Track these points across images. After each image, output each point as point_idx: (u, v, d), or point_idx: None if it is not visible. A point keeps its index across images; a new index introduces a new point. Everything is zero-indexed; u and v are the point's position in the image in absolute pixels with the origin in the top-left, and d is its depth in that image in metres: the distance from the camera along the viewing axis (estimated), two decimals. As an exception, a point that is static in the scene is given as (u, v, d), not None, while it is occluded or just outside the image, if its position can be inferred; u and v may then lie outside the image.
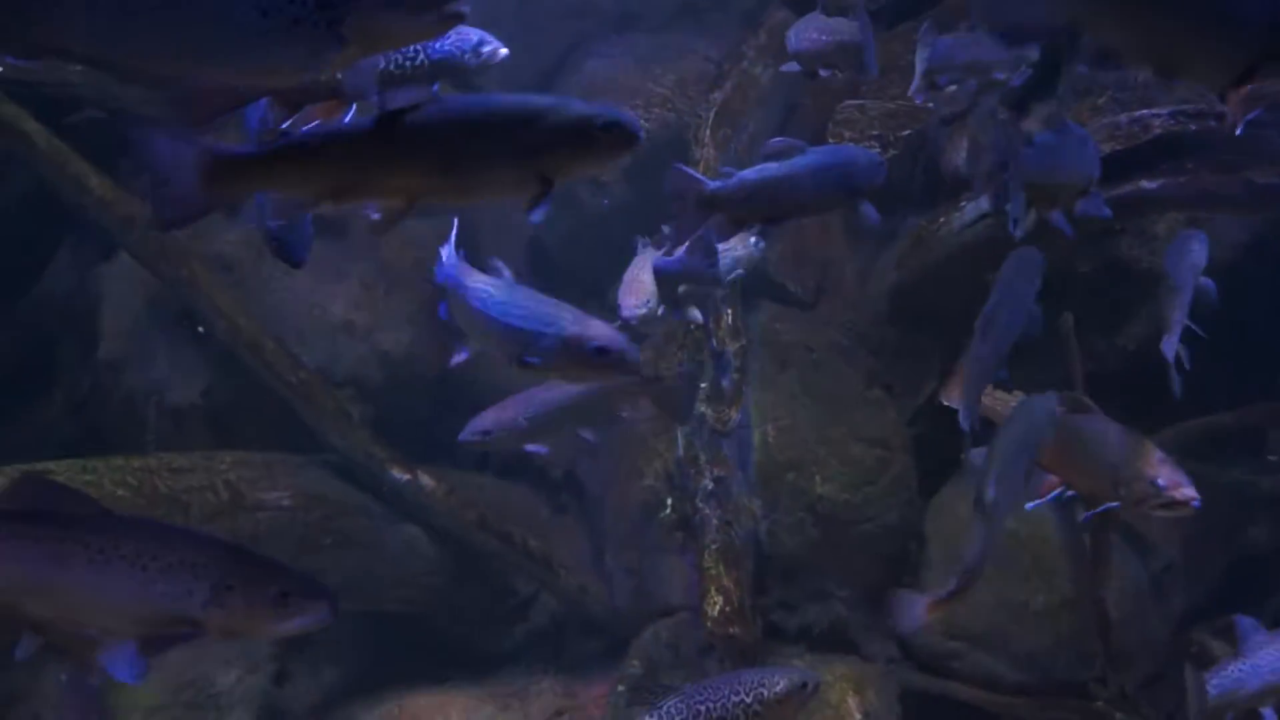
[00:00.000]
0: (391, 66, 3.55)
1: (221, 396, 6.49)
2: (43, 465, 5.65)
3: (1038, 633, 5.83)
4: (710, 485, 5.85)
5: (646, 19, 7.49)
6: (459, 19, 2.76)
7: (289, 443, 6.28)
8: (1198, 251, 5.02)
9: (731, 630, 5.68)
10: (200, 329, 6.42)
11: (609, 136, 2.99)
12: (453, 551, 6.33)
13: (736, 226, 3.97)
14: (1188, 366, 5.07)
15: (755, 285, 6.29)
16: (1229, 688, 4.79)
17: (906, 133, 6.04)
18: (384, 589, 6.19)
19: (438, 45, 3.61)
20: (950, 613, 5.90)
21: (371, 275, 6.65)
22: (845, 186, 3.97)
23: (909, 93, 4.78)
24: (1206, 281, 4.98)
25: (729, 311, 5.97)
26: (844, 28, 5.04)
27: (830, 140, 6.02)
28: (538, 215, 3.10)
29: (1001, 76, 4.71)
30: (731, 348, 5.95)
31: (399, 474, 6.19)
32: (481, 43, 3.69)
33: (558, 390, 5.15)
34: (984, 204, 5.67)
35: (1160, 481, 4.54)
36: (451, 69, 3.66)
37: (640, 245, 5.39)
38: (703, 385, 5.91)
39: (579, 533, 6.57)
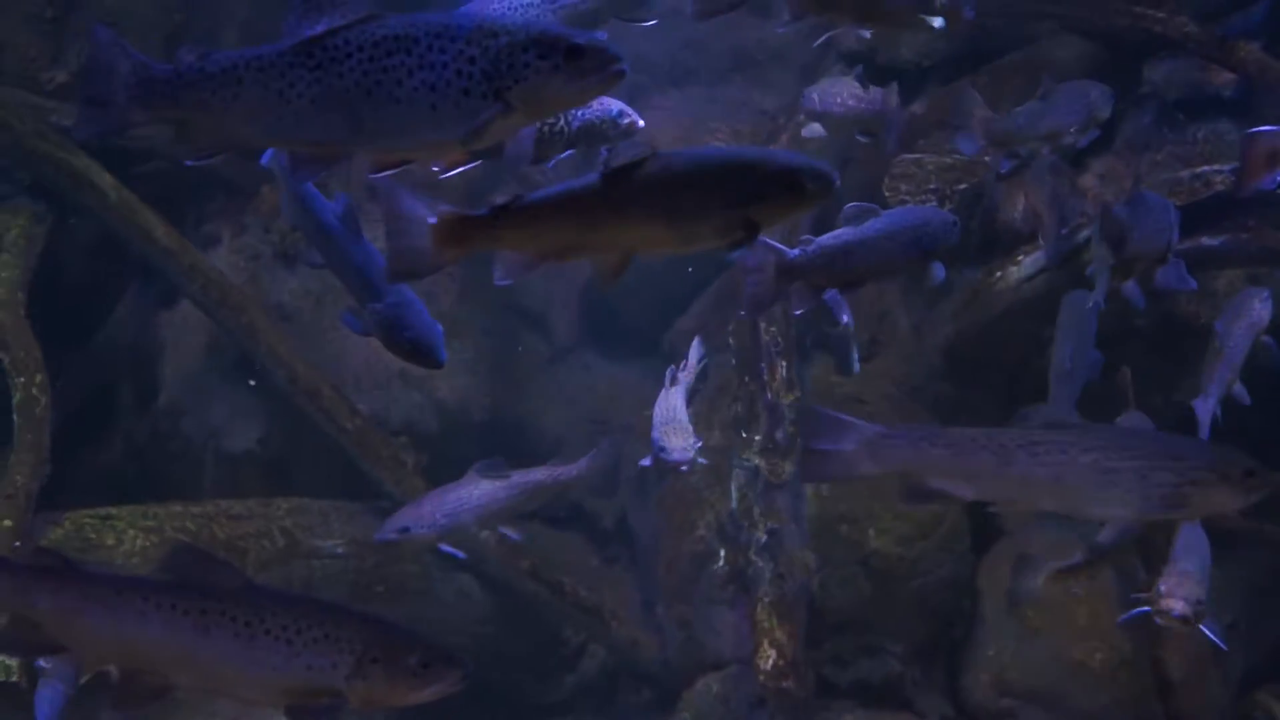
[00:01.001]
0: (537, 134, 3.71)
1: (278, 443, 6.50)
2: (104, 510, 5.66)
3: (1095, 692, 5.67)
4: (764, 538, 5.76)
5: (702, 73, 7.47)
6: (620, 78, 2.84)
7: (344, 490, 6.25)
8: (1259, 310, 4.92)
9: (784, 684, 5.57)
10: (252, 381, 6.46)
11: (814, 186, 3.05)
12: (504, 601, 6.26)
13: (816, 294, 3.94)
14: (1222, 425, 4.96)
15: (810, 338, 6.23)
16: None
17: (962, 186, 5.97)
18: (435, 637, 6.11)
19: (581, 113, 3.75)
20: (1005, 670, 5.81)
21: (428, 324, 6.63)
22: (920, 248, 3.95)
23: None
24: (1268, 340, 4.88)
25: (783, 364, 5.90)
26: (873, 96, 5.01)
27: (886, 194, 5.96)
28: (738, 255, 3.41)
29: (1071, 140, 4.66)
30: (786, 400, 5.87)
31: (452, 523, 6.14)
32: (621, 113, 3.81)
33: (475, 488, 5.21)
34: (1041, 258, 5.62)
35: (1161, 588, 4.48)
36: (593, 136, 3.77)
37: (669, 375, 5.43)
38: (757, 438, 5.83)
39: (630, 583, 6.50)
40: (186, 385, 6.71)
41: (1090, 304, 4.47)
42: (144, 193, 6.44)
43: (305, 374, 6.29)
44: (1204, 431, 4.85)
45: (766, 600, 5.70)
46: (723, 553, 5.95)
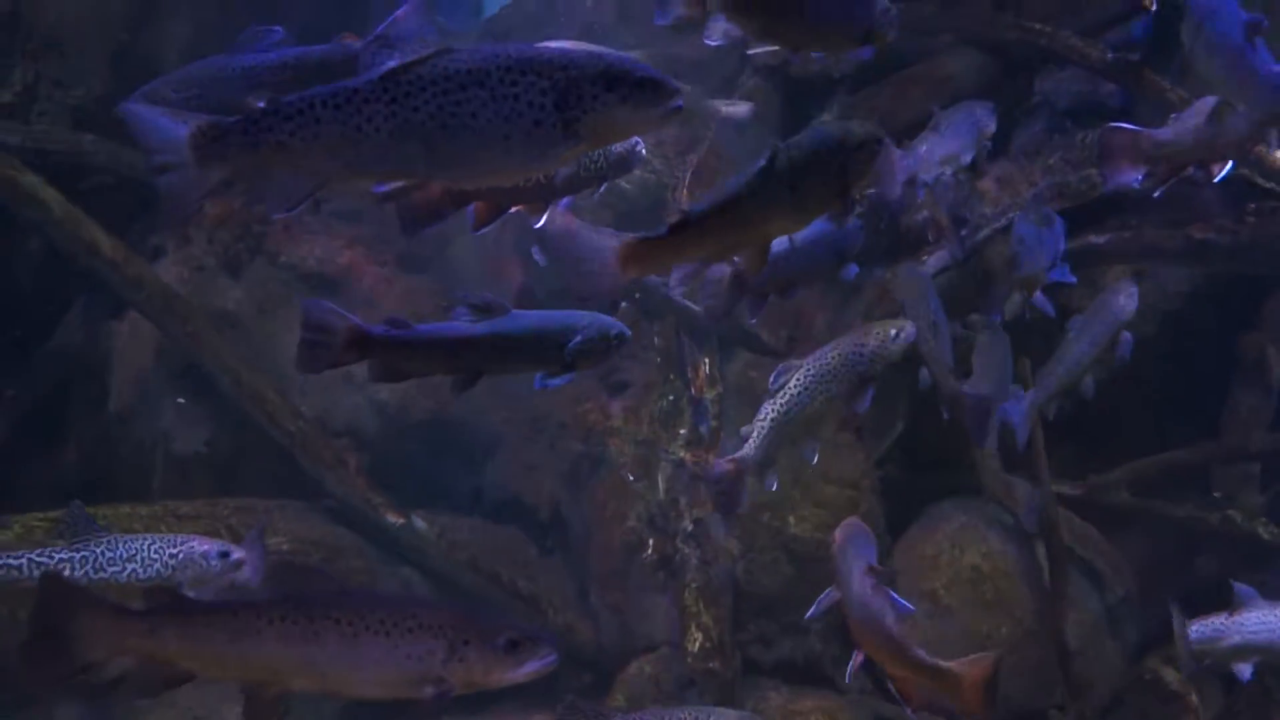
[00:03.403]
0: (579, 167, 3.81)
1: (225, 446, 6.50)
2: (53, 514, 5.63)
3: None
4: (690, 526, 5.87)
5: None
6: (680, 112, 2.91)
7: (289, 490, 6.28)
8: (1123, 304, 4.97)
9: (711, 665, 5.68)
10: (180, 399, 6.48)
11: (881, 147, 3.40)
12: (446, 592, 6.31)
13: (763, 301, 4.13)
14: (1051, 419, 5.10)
15: (730, 335, 6.34)
16: (1209, 636, 4.79)
17: (870, 191, 6.12)
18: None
19: (614, 146, 3.86)
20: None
21: (368, 329, 6.67)
22: (839, 253, 4.20)
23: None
24: (1126, 336, 4.97)
25: (706, 361, 6.02)
26: None
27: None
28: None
29: (969, 159, 4.83)
30: (709, 395, 5.99)
31: (394, 518, 6.20)
32: (638, 144, 3.95)
33: None
34: (944, 258, 5.77)
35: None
36: (621, 167, 3.92)
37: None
38: (682, 431, 5.94)
39: (566, 572, 6.56)
40: (136, 391, 6.70)
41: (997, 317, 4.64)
42: (90, 206, 6.43)
43: (249, 379, 6.31)
44: (1021, 428, 4.96)
45: (694, 586, 5.81)
46: (651, 541, 6.05)
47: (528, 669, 3.25)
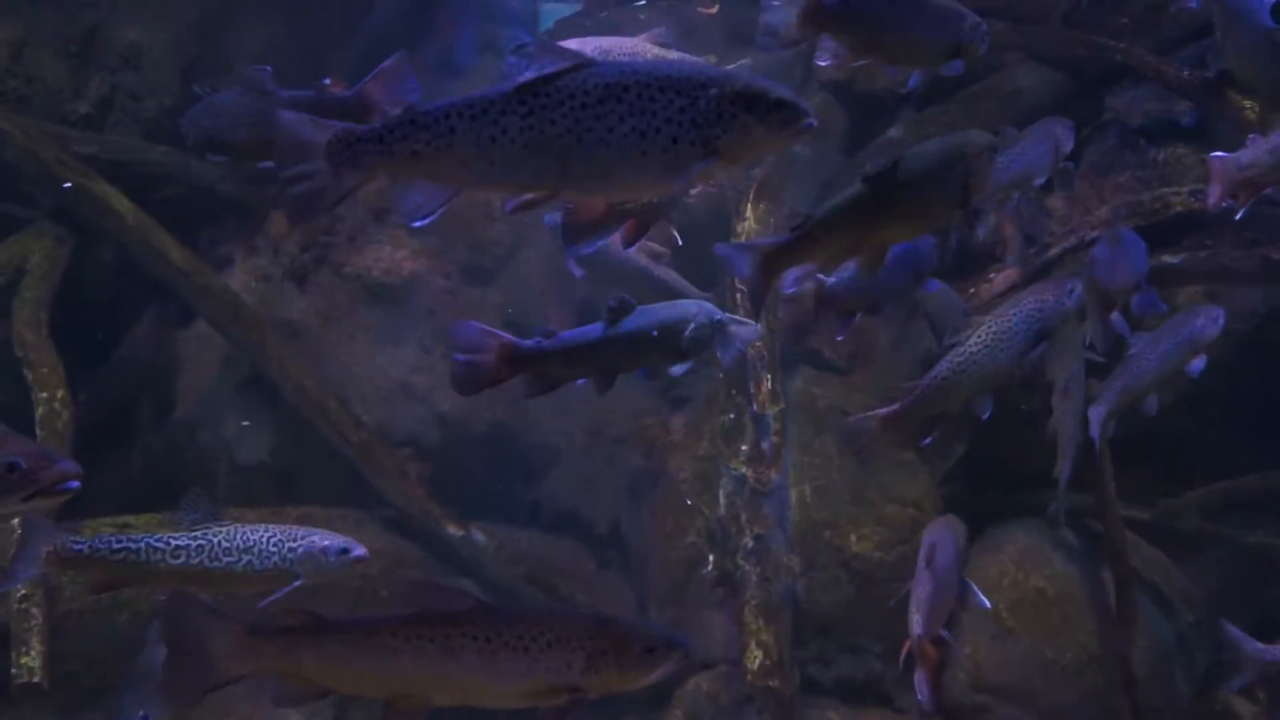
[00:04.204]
0: None
1: (288, 455, 6.53)
2: (122, 519, 5.69)
3: (1065, 688, 5.70)
4: (750, 543, 5.80)
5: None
6: (811, 131, 2.93)
7: (351, 499, 6.29)
8: (1201, 327, 4.88)
9: (770, 683, 5.60)
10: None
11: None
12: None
13: (849, 320, 4.18)
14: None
15: (793, 351, 6.28)
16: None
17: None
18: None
19: None
20: (980, 668, 5.84)
21: (429, 340, 6.69)
22: (917, 270, 4.23)
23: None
24: (1198, 363, 4.86)
25: (768, 376, 5.95)
26: None
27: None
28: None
29: (1042, 180, 4.75)
30: (771, 411, 5.92)
31: (453, 530, 6.19)
32: None
33: None
34: (1014, 276, 5.68)
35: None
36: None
37: None
38: (743, 448, 5.87)
39: (624, 587, 6.52)
40: (201, 400, 6.76)
41: (1086, 343, 4.59)
42: (161, 216, 6.51)
43: (313, 389, 6.34)
44: (1094, 431, 4.89)
45: (753, 603, 5.74)
46: (711, 558, 5.99)
47: (660, 672, 3.25)
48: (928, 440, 4.58)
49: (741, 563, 5.79)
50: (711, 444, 6.18)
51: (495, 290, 6.83)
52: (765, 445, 5.88)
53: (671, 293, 5.62)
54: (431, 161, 2.82)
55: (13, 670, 4.94)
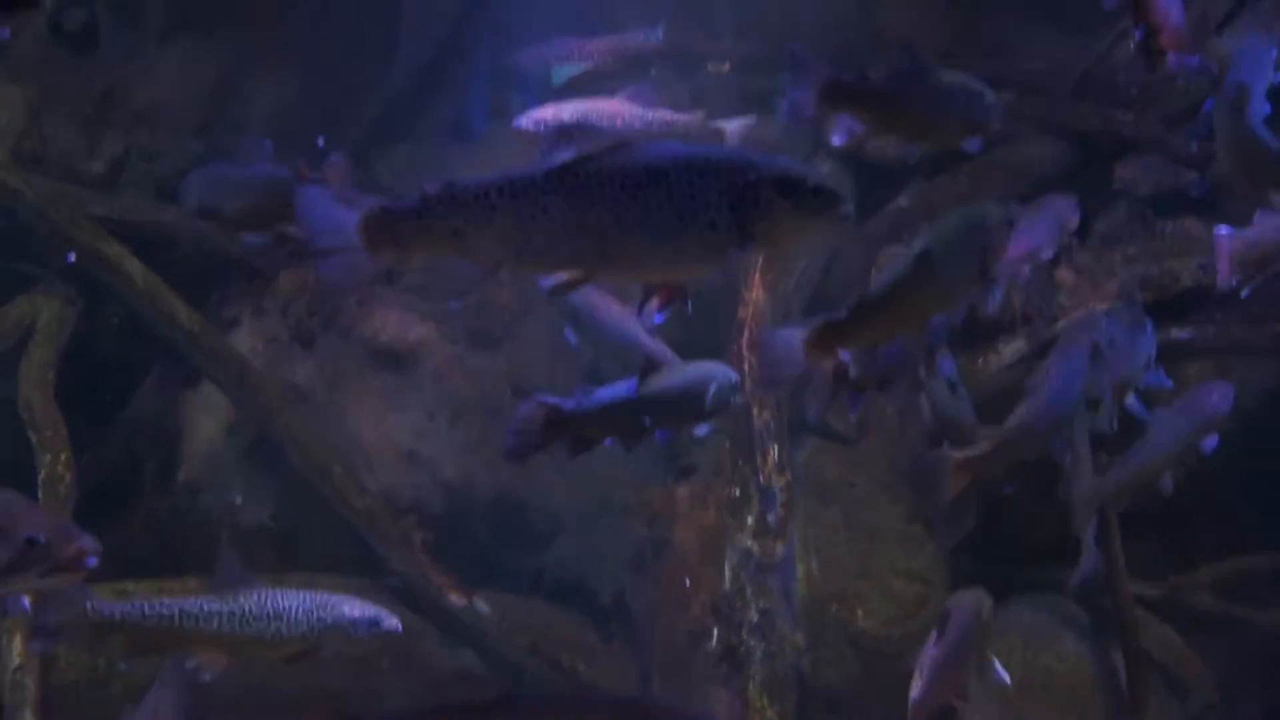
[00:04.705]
0: None
1: (291, 519, 6.48)
2: (120, 584, 5.64)
3: (1076, 770, 5.59)
4: (756, 618, 5.72)
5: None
6: (848, 218, 2.93)
7: (354, 566, 6.23)
8: (1215, 403, 4.84)
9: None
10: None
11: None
12: (505, 676, 6.20)
13: (860, 396, 4.13)
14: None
15: (799, 421, 6.23)
16: None
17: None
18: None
19: None
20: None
21: (435, 406, 6.66)
22: (928, 348, 4.28)
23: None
24: (1211, 441, 4.81)
25: (775, 447, 5.90)
26: None
27: (872, 285, 5.99)
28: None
29: (1049, 255, 4.74)
30: (778, 483, 5.86)
31: (456, 599, 6.12)
32: None
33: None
34: (1021, 348, 5.64)
35: None
36: None
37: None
38: (749, 520, 5.81)
39: (627, 659, 6.43)
40: (205, 462, 6.72)
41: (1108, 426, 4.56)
42: (169, 277, 6.52)
43: (317, 453, 6.30)
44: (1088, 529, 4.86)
45: (758, 679, 5.64)
46: (716, 631, 5.90)
47: None
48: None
49: (746, 637, 5.71)
50: (717, 515, 6.11)
51: (502, 356, 6.80)
52: (771, 518, 5.82)
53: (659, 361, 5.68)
54: (470, 240, 2.79)
55: (5, 743, 4.89)
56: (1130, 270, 5.77)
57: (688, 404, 3.83)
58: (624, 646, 6.46)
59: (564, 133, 2.81)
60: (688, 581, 6.13)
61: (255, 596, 3.98)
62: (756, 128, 5.55)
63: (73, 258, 6.41)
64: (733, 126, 5.56)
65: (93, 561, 3.04)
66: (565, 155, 2.78)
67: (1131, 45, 3.92)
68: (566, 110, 5.43)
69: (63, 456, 5.89)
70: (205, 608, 3.95)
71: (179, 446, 6.79)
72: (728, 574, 5.87)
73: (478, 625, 6.11)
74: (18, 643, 5.01)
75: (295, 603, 4.00)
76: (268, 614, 3.96)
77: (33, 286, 6.57)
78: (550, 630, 6.31)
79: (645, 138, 5.42)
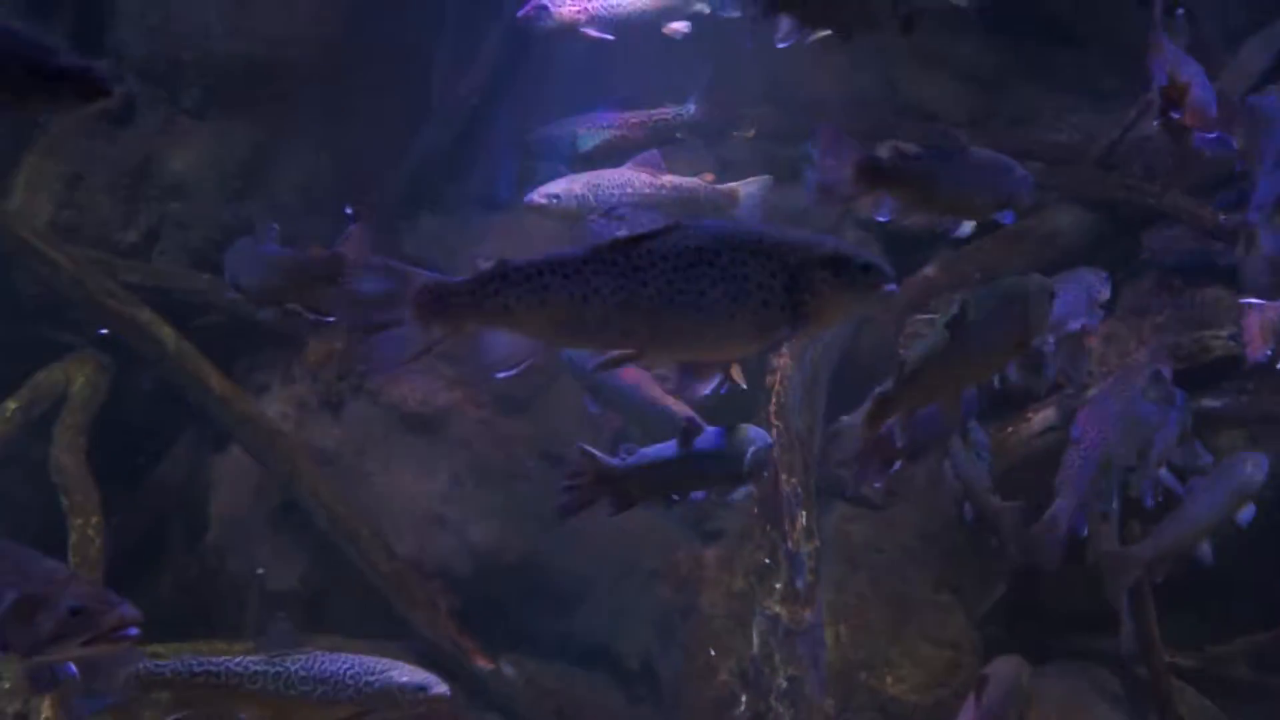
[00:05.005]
0: None
1: (318, 583, 6.48)
2: (151, 648, 5.61)
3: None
4: (784, 684, 5.64)
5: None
6: (893, 295, 2.98)
7: (382, 629, 6.21)
8: (1250, 473, 4.82)
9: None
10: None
11: None
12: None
13: (887, 467, 4.30)
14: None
15: (828, 487, 6.21)
16: None
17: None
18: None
19: None
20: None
21: (462, 470, 6.67)
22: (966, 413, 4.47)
23: None
24: (1249, 508, 4.78)
25: (803, 513, 5.87)
26: None
27: (900, 352, 6.00)
28: None
29: (1078, 327, 4.76)
30: (806, 549, 5.83)
31: (482, 664, 6.08)
32: None
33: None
34: (1051, 416, 5.63)
35: None
36: None
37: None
38: (777, 586, 5.77)
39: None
40: (233, 525, 6.74)
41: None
42: (201, 344, 6.59)
43: (345, 517, 6.32)
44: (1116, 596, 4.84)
45: (787, 746, 5.57)
46: (744, 698, 5.83)
47: None
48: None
49: (775, 704, 5.63)
50: (745, 580, 6.07)
51: (528, 421, 6.82)
52: (800, 583, 5.77)
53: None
54: (521, 317, 2.80)
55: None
56: (1160, 339, 5.77)
57: (726, 466, 3.86)
58: (651, 711, 6.40)
59: (615, 213, 2.86)
60: (714, 648, 6.08)
61: (303, 659, 3.98)
62: (767, 187, 5.60)
63: (105, 331, 6.49)
64: (745, 189, 5.61)
65: (134, 631, 3.04)
66: (618, 234, 2.82)
67: (1155, 121, 3.98)
68: (578, 184, 5.50)
69: (94, 520, 5.92)
70: (252, 668, 3.96)
71: (208, 509, 6.81)
72: (756, 640, 5.82)
73: (504, 690, 6.07)
74: (47, 705, 4.99)
75: (344, 667, 3.99)
76: (315, 677, 3.95)
77: (67, 353, 6.65)
78: (577, 694, 6.26)
79: (672, 207, 5.49)
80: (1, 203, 6.59)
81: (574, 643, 6.63)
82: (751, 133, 6.92)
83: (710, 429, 3.91)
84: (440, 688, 4.05)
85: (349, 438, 6.69)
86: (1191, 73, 3.84)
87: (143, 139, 7.08)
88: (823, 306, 2.84)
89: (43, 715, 4.98)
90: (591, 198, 5.43)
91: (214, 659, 3.97)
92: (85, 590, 3.05)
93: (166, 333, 6.48)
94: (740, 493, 4.02)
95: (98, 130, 7.03)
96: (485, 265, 2.82)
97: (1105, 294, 4.77)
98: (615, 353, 2.92)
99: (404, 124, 7.50)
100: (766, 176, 5.65)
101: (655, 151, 5.67)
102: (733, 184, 5.63)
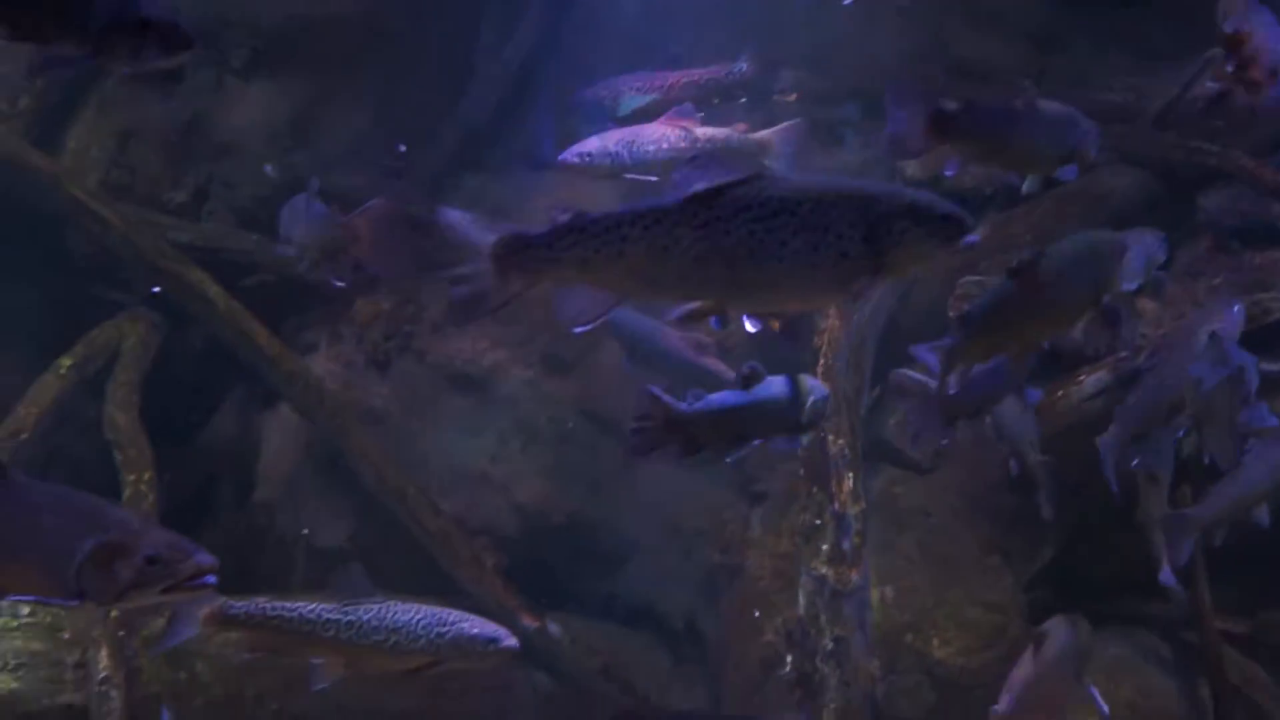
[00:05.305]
0: None
1: (366, 540, 6.52)
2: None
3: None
4: (830, 645, 5.64)
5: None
6: (974, 246, 2.96)
7: (428, 587, 6.24)
8: None
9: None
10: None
11: None
12: (577, 698, 6.18)
13: (952, 425, 4.24)
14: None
15: (876, 449, 6.18)
16: None
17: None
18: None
19: None
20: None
21: (509, 430, 6.68)
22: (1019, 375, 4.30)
23: None
24: None
25: (850, 475, 5.85)
26: None
27: (950, 314, 5.95)
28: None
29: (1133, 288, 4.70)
30: (853, 510, 5.81)
31: (528, 622, 6.11)
32: None
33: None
34: (1102, 379, 5.56)
35: None
36: None
37: None
38: (824, 547, 5.76)
39: (699, 684, 6.38)
40: (282, 483, 6.79)
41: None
42: (250, 302, 6.63)
43: (392, 475, 6.35)
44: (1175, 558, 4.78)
45: (832, 707, 5.55)
46: (790, 658, 5.84)
47: None
48: None
49: (821, 665, 5.63)
50: (791, 542, 6.06)
51: (575, 380, 6.82)
52: (846, 545, 5.76)
53: (721, 382, 5.71)
54: (599, 269, 2.78)
55: (91, 753, 4.94)
56: (1213, 300, 5.67)
57: (787, 414, 3.89)
58: (696, 671, 6.42)
59: (696, 162, 2.83)
60: (759, 608, 6.09)
61: (376, 608, 4.01)
62: (799, 131, 5.55)
63: (158, 290, 6.53)
64: (777, 135, 5.55)
65: (211, 579, 3.06)
66: (697, 186, 2.77)
67: (1211, 82, 3.90)
68: (611, 141, 5.47)
69: (146, 476, 5.99)
70: (325, 615, 3.99)
71: (256, 467, 6.86)
72: (802, 601, 5.81)
73: (550, 648, 6.09)
74: (105, 655, 5.07)
75: (416, 617, 4.01)
76: (387, 626, 3.97)
77: (119, 311, 6.71)
78: (622, 654, 6.28)
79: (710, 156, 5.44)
80: (54, 161, 6.63)
81: (619, 602, 6.66)
82: (794, 95, 6.85)
83: (770, 378, 3.91)
84: (510, 641, 4.07)
85: (396, 397, 6.71)
86: (1263, 23, 3.73)
87: (192, 99, 7.11)
88: (903, 256, 2.81)
89: (101, 665, 5.04)
90: (625, 155, 5.40)
91: (288, 604, 3.98)
92: (162, 538, 3.07)
93: (216, 292, 6.52)
94: (799, 442, 4.06)
95: (147, 90, 7.06)
96: (561, 218, 2.79)
97: (1162, 256, 4.69)
98: (692, 305, 2.90)
99: (449, 83, 7.48)
100: (799, 120, 5.59)
101: (689, 105, 5.63)
102: (765, 132, 5.58)
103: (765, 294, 2.85)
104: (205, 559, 3.08)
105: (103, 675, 5.04)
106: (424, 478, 6.46)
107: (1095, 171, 6.29)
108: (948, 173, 3.74)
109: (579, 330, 2.85)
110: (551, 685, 6.16)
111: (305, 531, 6.54)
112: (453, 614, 4.09)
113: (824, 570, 5.74)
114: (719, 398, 3.84)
